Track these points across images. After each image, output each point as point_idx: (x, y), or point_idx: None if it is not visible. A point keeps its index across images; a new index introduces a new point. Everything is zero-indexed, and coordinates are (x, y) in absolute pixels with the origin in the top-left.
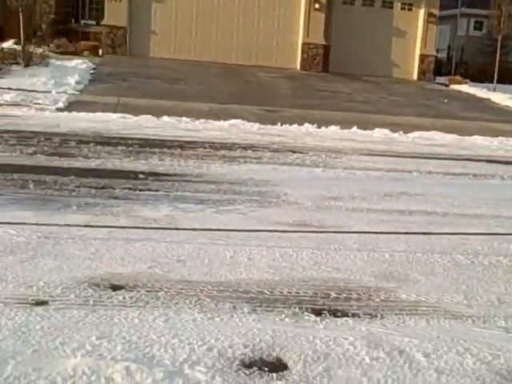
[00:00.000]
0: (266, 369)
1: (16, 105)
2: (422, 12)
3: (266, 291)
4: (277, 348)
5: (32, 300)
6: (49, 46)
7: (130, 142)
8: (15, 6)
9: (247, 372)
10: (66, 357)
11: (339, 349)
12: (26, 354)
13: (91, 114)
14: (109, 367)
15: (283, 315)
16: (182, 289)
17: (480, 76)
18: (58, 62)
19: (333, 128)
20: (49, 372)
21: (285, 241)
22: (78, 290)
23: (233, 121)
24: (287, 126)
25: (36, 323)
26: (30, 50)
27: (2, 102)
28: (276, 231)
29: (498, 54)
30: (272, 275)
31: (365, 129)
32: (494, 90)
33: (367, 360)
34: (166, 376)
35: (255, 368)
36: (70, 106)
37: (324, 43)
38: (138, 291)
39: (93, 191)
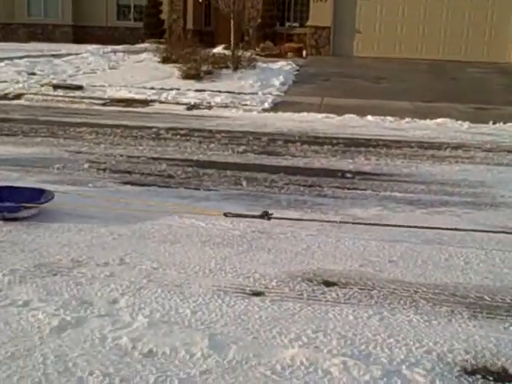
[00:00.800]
0: (491, 378)
1: (226, 106)
2: None
3: (487, 297)
4: (502, 358)
5: (249, 290)
6: (255, 49)
7: (335, 141)
8: (227, 12)
9: (470, 379)
10: (283, 346)
11: None
12: (247, 341)
13: (296, 114)
14: (326, 360)
15: (507, 323)
16: (395, 289)
17: None
18: (264, 65)
19: None
20: (268, 359)
21: (505, 245)
22: (292, 284)
23: (440, 119)
24: (501, 124)
25: (254, 312)
26: (239, 54)
27: (213, 104)
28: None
29: None
30: (492, 281)
31: None
32: None
33: None
34: (383, 374)
35: (478, 376)
36: (276, 107)
37: None
38: (351, 288)
39: (301, 189)
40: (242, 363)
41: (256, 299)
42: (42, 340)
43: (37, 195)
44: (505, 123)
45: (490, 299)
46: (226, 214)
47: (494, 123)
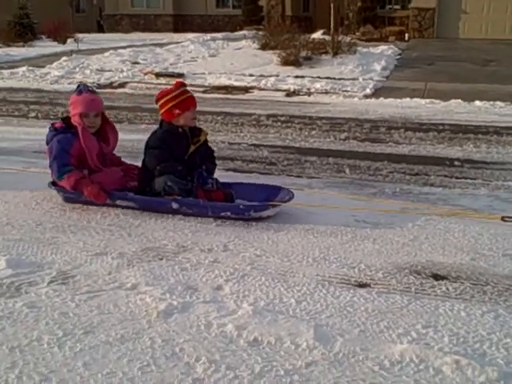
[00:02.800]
0: None
1: (326, 93)
2: None
3: None
4: None
5: (354, 281)
6: (355, 33)
7: (441, 127)
8: None
9: None
10: (391, 341)
11: None
12: (353, 334)
13: (398, 100)
14: (437, 358)
15: None
16: (510, 285)
17: None
18: (364, 50)
19: None
20: (376, 354)
21: None
22: (399, 276)
23: None
24: None
25: (360, 304)
26: (338, 39)
27: (313, 90)
28: None
29: None
30: None
31: None
32: None
33: None
34: (500, 377)
35: None
36: (377, 93)
37: None
38: (462, 283)
39: (407, 177)
40: (348, 356)
41: (362, 291)
42: (149, 324)
43: (274, 192)
44: None
45: None
46: (503, 219)
47: None
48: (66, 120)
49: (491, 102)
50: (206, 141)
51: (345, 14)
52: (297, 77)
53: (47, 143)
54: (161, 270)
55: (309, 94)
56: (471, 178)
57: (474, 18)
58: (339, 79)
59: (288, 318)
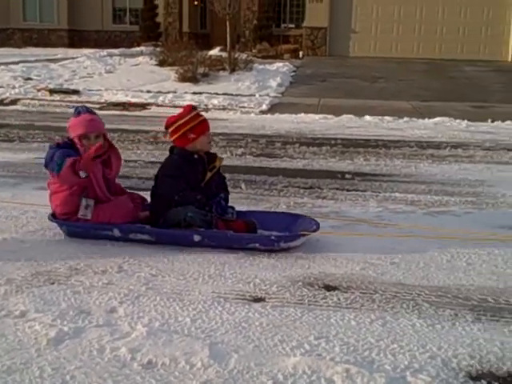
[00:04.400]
0: (496, 383)
1: (223, 109)
2: None
3: (490, 299)
4: (507, 362)
5: (250, 297)
6: (251, 50)
7: (334, 142)
8: (223, 14)
9: None
10: (285, 354)
11: None
12: (248, 349)
13: (294, 116)
14: (329, 368)
15: None
16: (397, 292)
17: None
18: (261, 66)
19: None
20: (270, 368)
21: (508, 246)
22: (292, 289)
23: (438, 118)
24: (499, 122)
25: (255, 319)
26: (235, 56)
27: (211, 106)
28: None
29: None
30: (495, 282)
31: None
32: None
33: None
34: (387, 382)
35: (484, 382)
36: (273, 108)
37: None
38: (353, 293)
39: (301, 191)
40: (243, 373)
41: (257, 305)
42: (38, 352)
43: (294, 220)
44: (503, 121)
45: (493, 301)
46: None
47: (492, 121)
48: (71, 140)
49: (380, 117)
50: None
51: (241, 31)
52: (194, 93)
53: (46, 164)
54: (52, 294)
55: (206, 110)
56: (361, 190)
57: (364, 38)
58: (236, 95)
59: (183, 338)
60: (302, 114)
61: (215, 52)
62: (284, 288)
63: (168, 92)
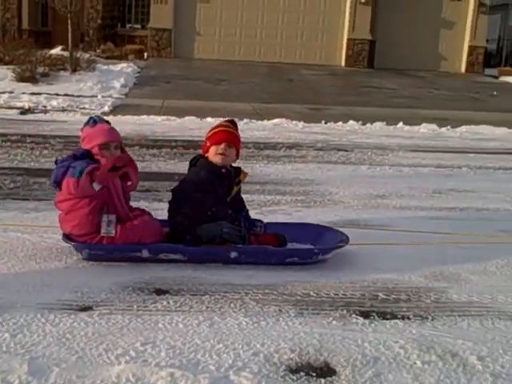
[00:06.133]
0: (314, 374)
1: (63, 110)
2: (471, 2)
3: (312, 293)
4: (324, 352)
5: (76, 306)
6: (95, 50)
7: (174, 144)
8: (64, 12)
9: (294, 378)
10: (110, 363)
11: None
12: (70, 362)
13: (136, 117)
14: (153, 374)
15: (330, 318)
16: (226, 292)
17: None
18: (105, 67)
19: (378, 124)
20: (93, 379)
21: None
22: (122, 295)
23: (276, 120)
24: (332, 123)
25: (80, 329)
26: (78, 55)
27: (50, 107)
28: None
29: None
30: (319, 277)
31: (411, 124)
32: None
33: None
34: (211, 382)
35: (302, 374)
36: (116, 110)
37: (370, 38)
38: (183, 295)
39: (137, 194)
40: None
41: (83, 315)
42: None
43: (318, 232)
44: (335, 122)
45: (315, 295)
46: None
47: (325, 123)
48: (86, 151)
49: (221, 119)
50: None
51: (85, 30)
52: (33, 94)
53: (56, 180)
54: None
55: (45, 111)
56: None
57: (208, 40)
58: (78, 96)
59: (1, 355)
60: (145, 116)
61: (57, 51)
62: (113, 295)
63: (4, 92)
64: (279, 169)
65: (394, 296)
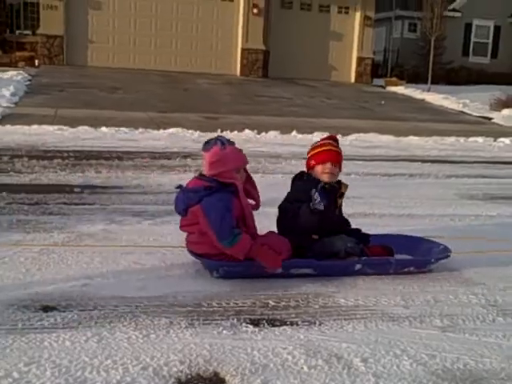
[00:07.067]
0: None
1: None
2: (358, 15)
3: (204, 303)
4: (214, 362)
5: None
6: None
7: (66, 154)
8: None
9: None
10: None
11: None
12: None
13: (26, 127)
14: None
15: (221, 328)
16: (116, 306)
17: (415, 77)
18: None
19: (273, 133)
20: None
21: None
22: (6, 314)
23: (172, 129)
24: (227, 132)
25: None
26: None
27: None
28: None
29: (431, 56)
30: (210, 286)
31: (304, 133)
32: (429, 90)
33: None
34: None
35: None
36: (4, 120)
37: (263, 48)
38: (71, 311)
39: (25, 207)
40: None
41: None
42: None
43: (414, 243)
44: (231, 131)
45: (207, 305)
46: None
47: (221, 131)
48: (214, 178)
49: (116, 128)
50: None
51: None
52: None
53: (186, 209)
54: None
55: None
56: (89, 204)
57: (102, 48)
58: None
59: None
60: (36, 126)
61: None
62: None
63: None
64: (174, 178)
65: (283, 303)
